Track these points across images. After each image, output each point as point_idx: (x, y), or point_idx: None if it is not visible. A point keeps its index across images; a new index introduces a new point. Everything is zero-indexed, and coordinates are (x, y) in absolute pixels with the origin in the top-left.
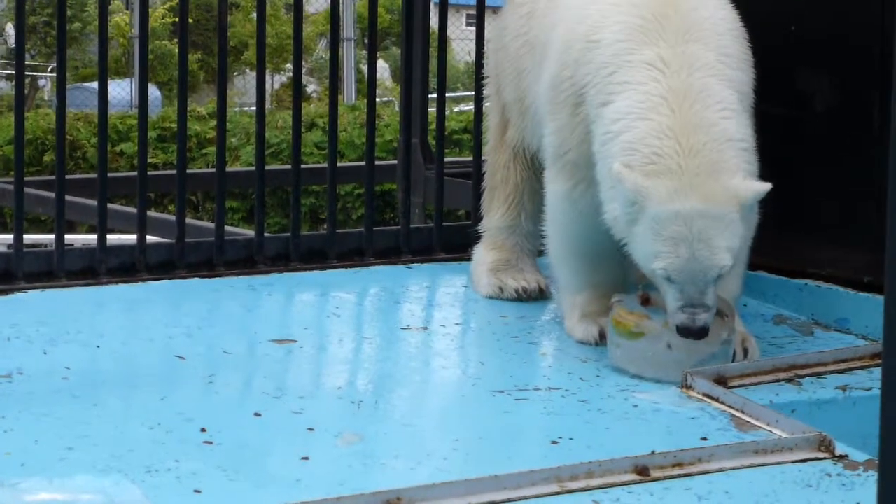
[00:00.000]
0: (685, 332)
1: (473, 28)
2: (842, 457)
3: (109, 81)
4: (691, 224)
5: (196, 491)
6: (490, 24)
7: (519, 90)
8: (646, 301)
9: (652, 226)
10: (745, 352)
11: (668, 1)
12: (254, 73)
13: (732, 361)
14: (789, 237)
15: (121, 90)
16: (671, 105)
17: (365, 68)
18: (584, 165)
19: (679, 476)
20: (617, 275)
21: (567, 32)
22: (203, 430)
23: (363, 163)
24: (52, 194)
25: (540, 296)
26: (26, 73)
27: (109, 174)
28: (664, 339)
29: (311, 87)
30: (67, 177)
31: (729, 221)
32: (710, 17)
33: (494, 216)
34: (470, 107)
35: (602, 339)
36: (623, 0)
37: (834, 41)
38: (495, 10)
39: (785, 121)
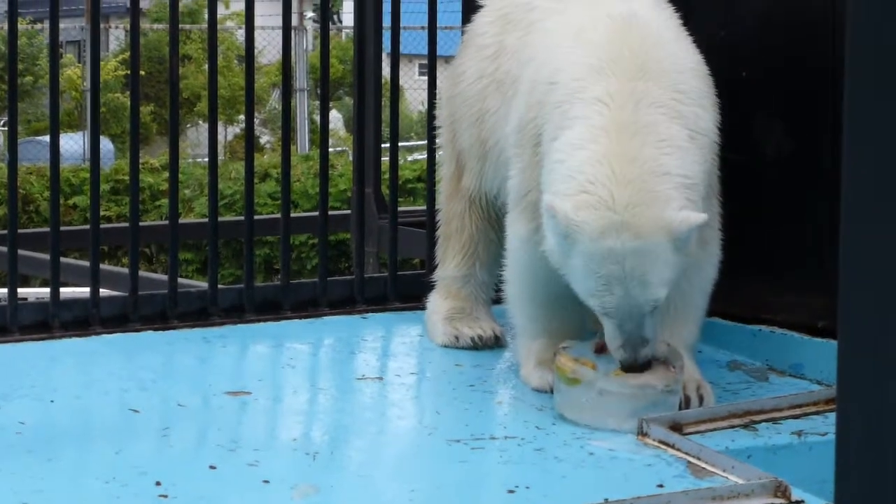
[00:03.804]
0: (629, 368)
1: (426, 77)
2: (798, 502)
3: (62, 135)
4: (624, 262)
5: None
6: (443, 73)
7: (481, 133)
8: (601, 349)
9: (585, 262)
10: (701, 398)
11: (626, 41)
12: (206, 125)
13: (686, 408)
14: (743, 283)
15: (73, 143)
16: (611, 136)
17: (318, 118)
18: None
19: None
20: (574, 322)
21: (534, 74)
22: (158, 483)
23: (317, 213)
24: (4, 248)
25: (496, 344)
26: None
27: (62, 228)
28: (597, 385)
29: (265, 138)
30: (20, 231)
31: (661, 254)
32: (669, 55)
33: (449, 266)
34: (424, 156)
35: None
36: (584, 42)
37: (786, 86)
38: (448, 59)
39: (737, 166)
